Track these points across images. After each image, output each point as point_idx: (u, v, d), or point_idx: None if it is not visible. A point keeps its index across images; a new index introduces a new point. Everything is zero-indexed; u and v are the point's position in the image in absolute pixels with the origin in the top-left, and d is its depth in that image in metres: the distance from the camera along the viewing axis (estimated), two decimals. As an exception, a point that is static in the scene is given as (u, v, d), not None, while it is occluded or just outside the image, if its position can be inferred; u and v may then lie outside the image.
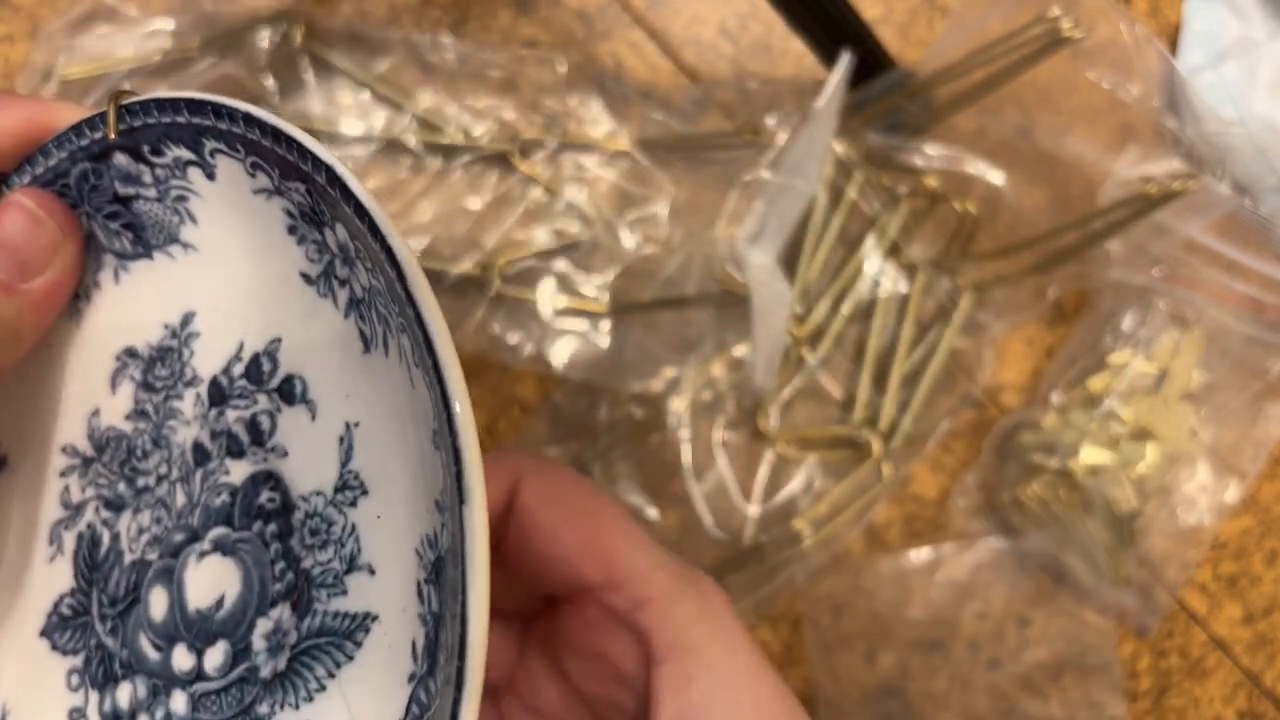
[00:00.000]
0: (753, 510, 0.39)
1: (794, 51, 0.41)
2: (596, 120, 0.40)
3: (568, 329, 0.39)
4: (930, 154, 0.40)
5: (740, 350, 0.39)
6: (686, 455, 0.39)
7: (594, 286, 0.39)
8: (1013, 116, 0.39)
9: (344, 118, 0.39)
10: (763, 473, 0.39)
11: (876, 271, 0.40)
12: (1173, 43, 0.44)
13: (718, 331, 0.39)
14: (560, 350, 0.39)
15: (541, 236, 0.39)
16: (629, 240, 0.40)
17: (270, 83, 0.39)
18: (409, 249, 0.15)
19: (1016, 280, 0.40)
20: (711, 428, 0.39)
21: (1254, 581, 0.41)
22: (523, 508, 0.23)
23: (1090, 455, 0.38)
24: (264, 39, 0.38)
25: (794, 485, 0.39)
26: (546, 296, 0.39)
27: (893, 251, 0.40)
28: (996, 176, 0.40)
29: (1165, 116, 0.38)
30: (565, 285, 0.39)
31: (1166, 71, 0.39)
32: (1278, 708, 0.41)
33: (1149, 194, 0.37)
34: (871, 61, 0.38)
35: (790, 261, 0.40)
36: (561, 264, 0.39)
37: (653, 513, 0.38)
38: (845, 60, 0.35)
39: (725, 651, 0.22)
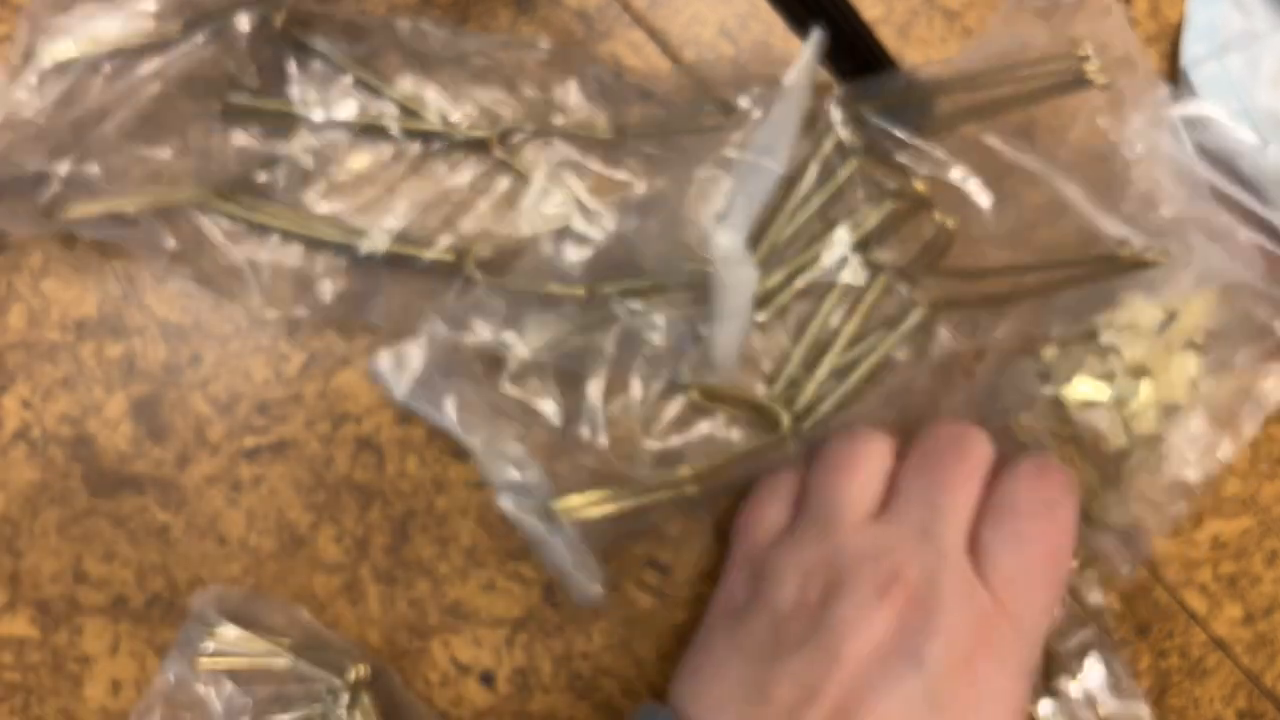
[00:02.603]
0: (649, 443, 0.39)
1: (794, 52, 0.41)
2: (576, 106, 0.40)
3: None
4: (930, 158, 0.40)
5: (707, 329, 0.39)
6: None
7: (570, 271, 0.39)
8: (1019, 143, 0.39)
9: (324, 102, 0.39)
10: (670, 412, 0.39)
11: (840, 260, 0.40)
12: (1174, 42, 0.43)
13: (690, 309, 0.39)
14: (533, 335, 0.39)
15: (518, 223, 0.39)
16: (606, 225, 0.40)
17: (251, 67, 0.39)
18: None
19: (971, 306, 0.40)
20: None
21: (1254, 581, 0.41)
22: None
23: (1083, 385, 0.38)
24: (245, 23, 0.38)
25: (695, 433, 0.39)
26: (523, 281, 0.39)
27: (863, 245, 0.40)
28: (985, 198, 0.39)
29: (1161, 187, 0.38)
30: (542, 270, 0.39)
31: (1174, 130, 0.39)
32: (1278, 708, 0.41)
33: (1119, 257, 0.36)
34: (872, 61, 0.38)
35: (766, 225, 0.40)
36: (538, 249, 0.39)
37: (551, 406, 0.38)
38: (816, 37, 0.35)
39: None
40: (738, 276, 0.35)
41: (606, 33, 0.41)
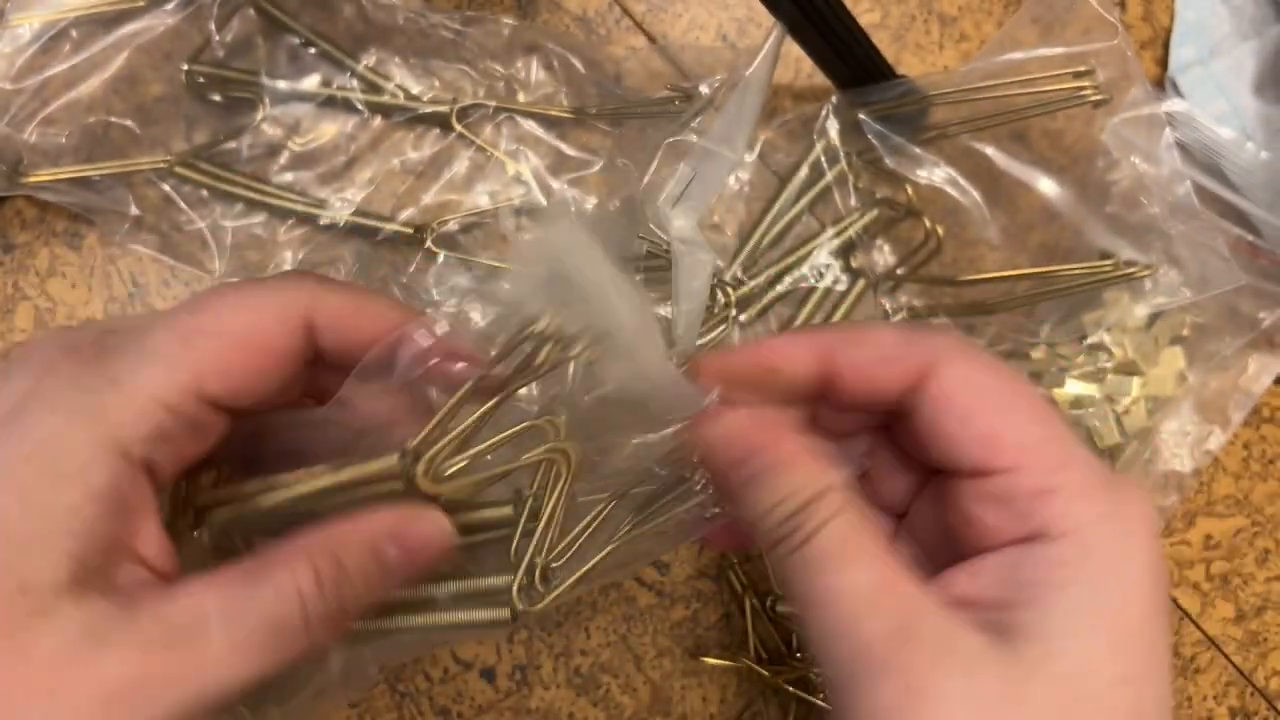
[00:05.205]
0: None
1: (790, 56, 0.42)
2: (537, 84, 0.41)
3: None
4: (925, 163, 0.40)
5: (664, 309, 0.39)
6: None
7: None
8: (1013, 149, 0.39)
9: (289, 73, 0.40)
10: None
11: (823, 264, 0.41)
12: (1167, 46, 0.44)
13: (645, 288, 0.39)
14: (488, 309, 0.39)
15: (478, 198, 0.40)
16: (565, 203, 0.40)
17: (218, 37, 0.39)
18: None
19: (953, 315, 0.41)
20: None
21: (1246, 581, 0.42)
22: (940, 392, 0.24)
23: (1075, 386, 0.38)
24: None
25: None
26: (480, 254, 0.40)
27: (846, 250, 0.41)
28: (978, 203, 0.40)
29: (1147, 190, 0.38)
30: (499, 245, 0.40)
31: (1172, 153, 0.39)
32: (1270, 706, 0.42)
33: (1103, 269, 0.37)
34: (870, 67, 0.38)
35: (752, 227, 0.41)
36: (497, 225, 0.40)
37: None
38: (778, 31, 0.35)
39: (1117, 564, 0.22)
40: (694, 259, 0.35)
41: (606, 37, 0.41)
